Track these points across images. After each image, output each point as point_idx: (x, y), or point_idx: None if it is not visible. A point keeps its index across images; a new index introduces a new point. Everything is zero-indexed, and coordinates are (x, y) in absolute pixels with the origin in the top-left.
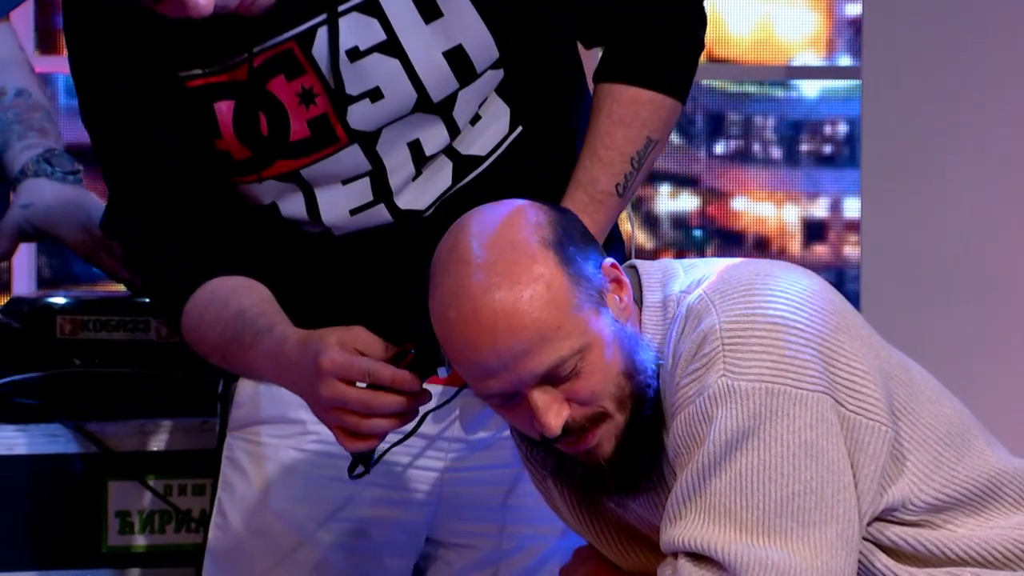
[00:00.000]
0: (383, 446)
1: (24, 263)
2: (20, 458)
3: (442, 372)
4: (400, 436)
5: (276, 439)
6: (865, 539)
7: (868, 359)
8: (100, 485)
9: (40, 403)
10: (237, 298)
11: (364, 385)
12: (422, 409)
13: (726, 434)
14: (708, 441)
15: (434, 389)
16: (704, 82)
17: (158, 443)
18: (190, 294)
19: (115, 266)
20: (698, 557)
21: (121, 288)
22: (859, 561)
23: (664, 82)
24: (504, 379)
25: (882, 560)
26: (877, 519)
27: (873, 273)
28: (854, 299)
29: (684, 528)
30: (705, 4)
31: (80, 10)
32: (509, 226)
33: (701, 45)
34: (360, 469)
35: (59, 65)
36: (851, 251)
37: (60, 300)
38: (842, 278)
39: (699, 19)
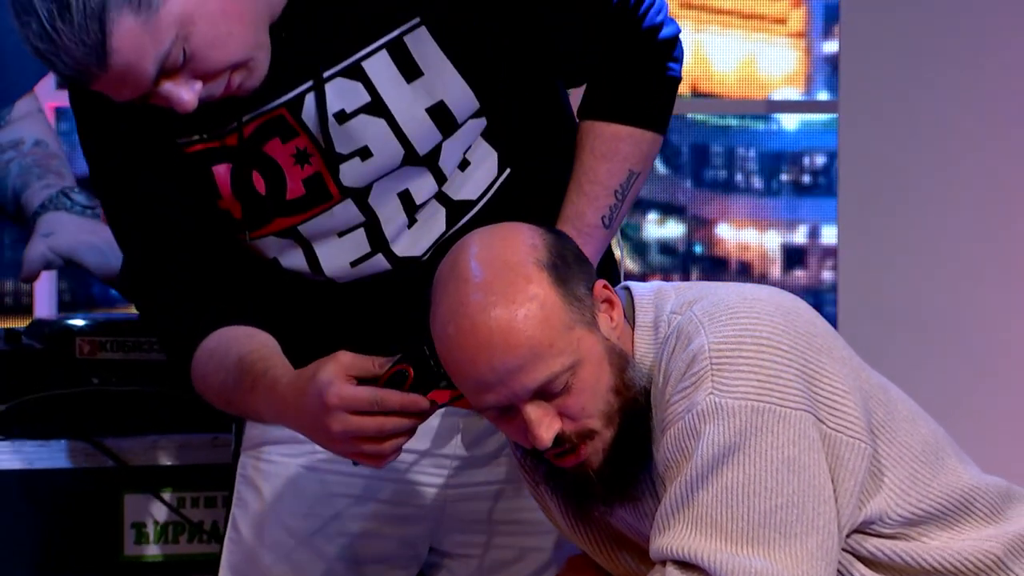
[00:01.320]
0: None
1: (45, 288)
2: (41, 472)
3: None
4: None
5: (286, 458)
6: (844, 550)
7: (848, 379)
8: (117, 498)
9: (60, 420)
10: (237, 345)
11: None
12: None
13: (713, 449)
14: (696, 455)
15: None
16: (689, 116)
17: (171, 458)
18: (196, 347)
19: None
20: (685, 565)
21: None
22: (838, 571)
23: (642, 117)
24: (499, 393)
25: (860, 570)
26: (856, 531)
27: (849, 297)
28: (831, 322)
29: (672, 537)
30: (681, 36)
31: (82, 90)
32: (506, 247)
33: (678, 77)
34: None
35: None
36: (828, 276)
37: (79, 322)
38: (820, 301)
39: (675, 53)
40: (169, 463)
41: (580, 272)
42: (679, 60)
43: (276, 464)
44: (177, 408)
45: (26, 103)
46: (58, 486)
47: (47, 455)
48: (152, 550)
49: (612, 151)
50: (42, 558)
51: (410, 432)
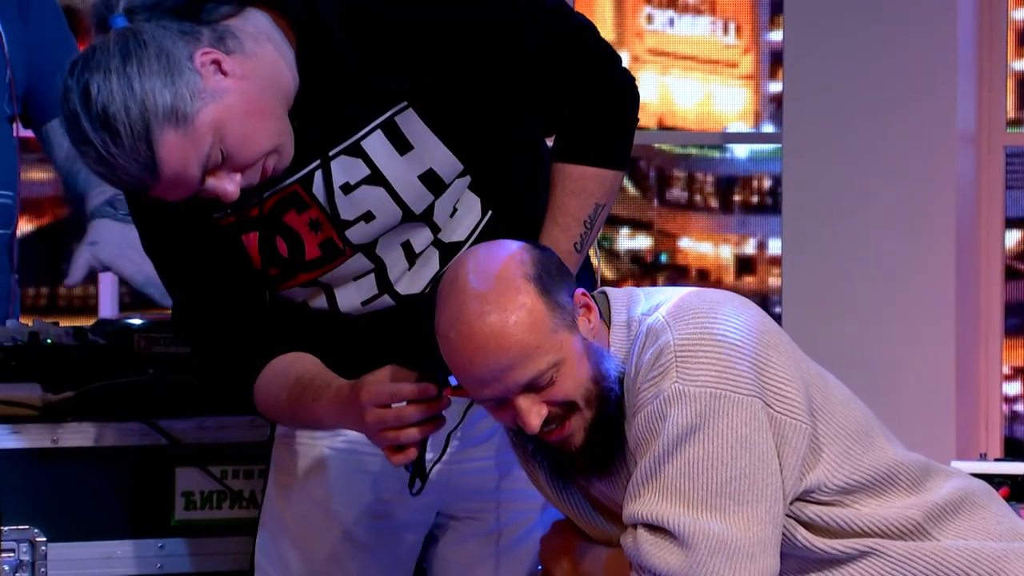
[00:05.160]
0: (428, 458)
1: (108, 291)
2: (106, 449)
3: (452, 380)
4: (437, 457)
5: (313, 440)
6: (788, 516)
7: (792, 370)
8: (169, 471)
9: (121, 405)
10: (294, 368)
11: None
12: (447, 429)
13: (677, 429)
14: (663, 435)
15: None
16: (655, 145)
17: (216, 436)
18: (256, 376)
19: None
20: (654, 528)
21: None
22: (783, 534)
23: (605, 158)
24: (494, 388)
25: (802, 533)
26: (797, 499)
27: (792, 299)
28: (777, 320)
29: (643, 504)
30: (637, 83)
31: None
32: (498, 262)
33: (634, 121)
34: (418, 484)
35: None
36: (774, 281)
37: (137, 321)
38: (767, 303)
39: (631, 100)
40: (214, 441)
41: (562, 282)
42: (635, 105)
43: (304, 445)
44: (221, 393)
45: None
46: (119, 461)
47: (110, 434)
48: (199, 515)
49: (580, 188)
50: (105, 522)
51: (428, 424)
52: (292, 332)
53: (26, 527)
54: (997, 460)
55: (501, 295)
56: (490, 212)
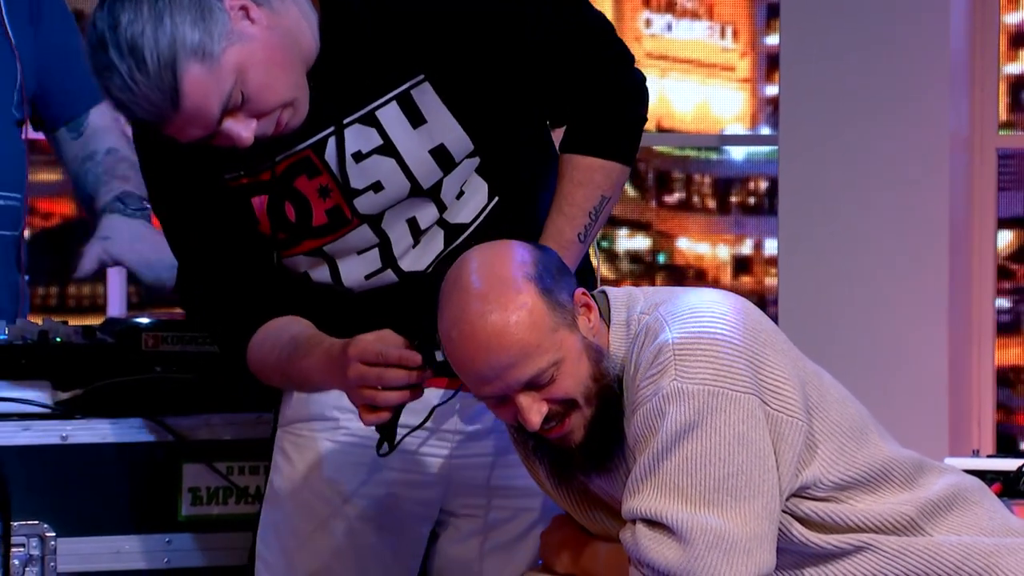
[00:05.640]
0: (400, 432)
1: (117, 290)
2: (114, 445)
3: (439, 355)
4: (414, 426)
5: (315, 432)
6: (784, 512)
7: (788, 368)
8: (176, 467)
9: (129, 402)
10: (288, 329)
11: None
12: (430, 404)
13: (676, 426)
14: (661, 431)
15: (436, 392)
16: (654, 147)
17: (221, 433)
18: (250, 337)
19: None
20: (652, 523)
21: None
22: (779, 529)
23: (613, 152)
24: (495, 385)
25: (798, 528)
26: (794, 495)
27: (788, 299)
28: (773, 319)
29: (641, 500)
30: (648, 83)
31: (145, 134)
32: (500, 263)
33: (643, 119)
34: (385, 448)
35: None
36: (771, 281)
37: (145, 320)
38: (764, 302)
39: (641, 98)
40: (219, 438)
41: (562, 282)
42: (644, 104)
43: (306, 438)
44: (226, 391)
45: (100, 115)
46: (126, 457)
47: (118, 431)
48: (205, 510)
49: (588, 179)
50: (113, 518)
51: (407, 391)
52: (293, 303)
53: (36, 522)
54: (990, 456)
55: (502, 295)
56: (496, 198)
